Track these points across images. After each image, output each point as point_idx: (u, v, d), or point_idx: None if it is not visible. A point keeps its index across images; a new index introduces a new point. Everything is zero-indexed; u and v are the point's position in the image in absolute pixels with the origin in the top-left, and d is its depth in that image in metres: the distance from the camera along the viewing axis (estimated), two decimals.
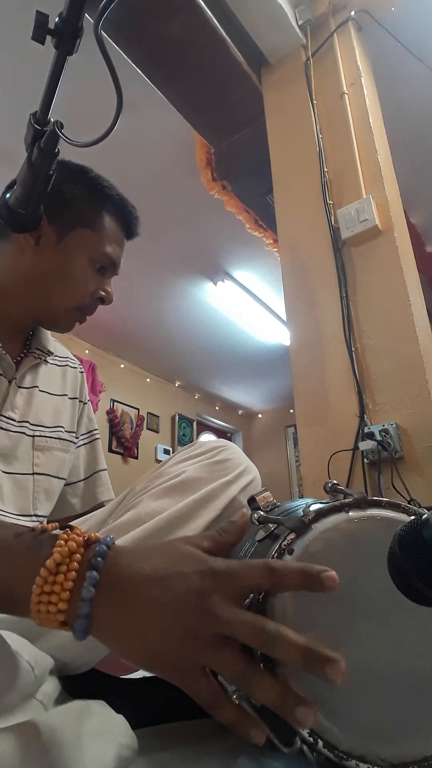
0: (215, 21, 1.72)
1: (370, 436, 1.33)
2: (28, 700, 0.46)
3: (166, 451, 5.05)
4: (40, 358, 0.85)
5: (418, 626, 0.43)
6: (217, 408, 5.99)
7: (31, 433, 0.81)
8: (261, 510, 0.55)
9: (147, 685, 0.67)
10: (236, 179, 2.25)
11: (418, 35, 1.91)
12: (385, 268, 1.48)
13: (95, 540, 0.40)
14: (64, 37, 0.55)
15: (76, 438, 0.93)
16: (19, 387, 0.81)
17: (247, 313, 4.06)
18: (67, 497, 0.91)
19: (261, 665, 0.39)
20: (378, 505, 0.47)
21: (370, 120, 1.66)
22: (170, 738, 0.55)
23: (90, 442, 0.97)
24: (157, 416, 5.15)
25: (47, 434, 0.84)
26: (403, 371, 1.36)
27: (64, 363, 0.94)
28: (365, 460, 1.34)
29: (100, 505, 0.92)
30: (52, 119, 0.62)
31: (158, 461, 4.85)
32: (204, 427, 5.89)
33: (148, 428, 4.97)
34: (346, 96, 1.71)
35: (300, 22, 1.85)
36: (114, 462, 4.46)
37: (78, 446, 0.94)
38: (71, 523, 0.43)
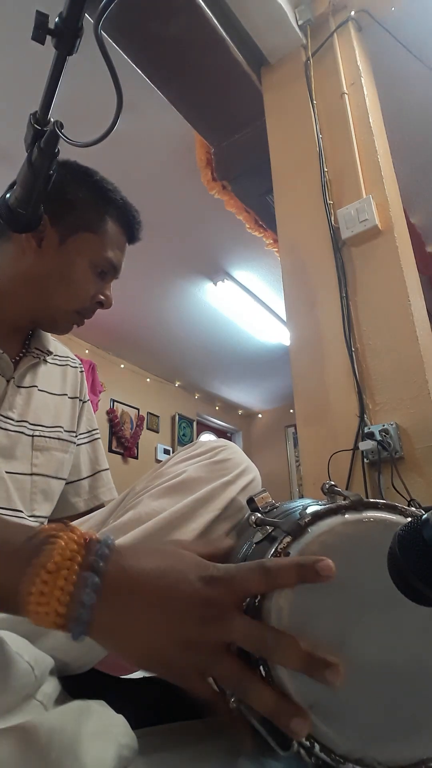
0: (215, 21, 1.72)
1: (370, 436, 1.33)
2: (28, 701, 0.46)
3: (166, 451, 5.05)
4: (39, 358, 0.85)
5: (415, 628, 0.43)
6: (217, 408, 5.99)
7: (30, 432, 0.81)
8: (259, 511, 0.55)
9: (147, 685, 0.67)
10: (236, 179, 2.25)
11: (418, 35, 1.91)
12: (385, 268, 1.48)
13: (96, 541, 0.39)
14: (64, 37, 0.55)
15: (76, 437, 0.93)
16: (18, 386, 0.81)
17: (247, 313, 4.06)
18: (68, 497, 0.91)
19: (260, 668, 0.40)
20: (374, 507, 0.47)
21: (370, 120, 1.66)
22: (170, 738, 0.55)
23: (90, 441, 0.97)
24: (157, 416, 5.15)
25: (46, 434, 0.83)
26: (403, 371, 1.36)
27: (64, 362, 0.94)
28: (365, 460, 1.34)
29: (102, 505, 0.92)
30: (52, 119, 0.62)
31: (158, 461, 4.85)
32: (204, 427, 5.89)
33: (148, 428, 4.97)
34: (346, 96, 1.71)
35: (300, 22, 1.85)
36: (114, 462, 4.46)
37: (78, 445, 0.94)
38: (70, 524, 0.42)
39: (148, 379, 5.15)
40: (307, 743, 0.40)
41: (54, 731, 0.41)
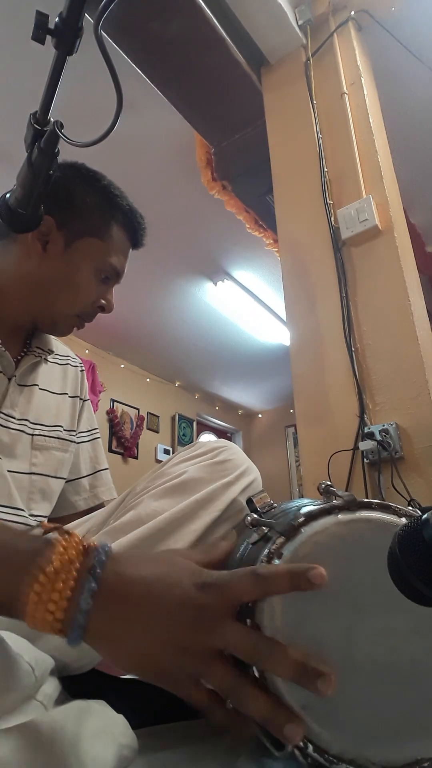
0: (215, 21, 1.72)
1: (370, 436, 1.33)
2: (29, 701, 0.46)
3: (166, 451, 5.05)
4: (40, 357, 0.85)
5: (409, 628, 0.43)
6: (217, 408, 5.99)
7: (30, 431, 0.81)
8: (257, 512, 0.55)
9: (147, 685, 0.67)
10: (236, 179, 2.25)
11: (418, 35, 1.91)
12: (385, 268, 1.48)
13: (94, 547, 0.40)
14: (64, 37, 0.55)
15: (76, 435, 0.93)
16: (19, 385, 0.81)
17: (247, 313, 4.06)
18: (68, 495, 0.91)
19: (253, 672, 0.40)
20: (368, 507, 0.47)
21: (370, 120, 1.66)
22: (170, 738, 0.55)
23: (91, 440, 0.97)
24: (157, 416, 5.15)
25: (46, 433, 0.84)
26: (403, 371, 1.36)
27: (64, 362, 0.94)
28: (365, 460, 1.34)
29: (101, 505, 0.92)
30: (52, 119, 0.62)
31: (158, 461, 4.86)
32: (204, 427, 5.89)
33: (148, 428, 4.97)
34: (346, 96, 1.71)
35: (300, 22, 1.85)
36: (114, 462, 4.46)
37: (78, 443, 0.94)
38: (68, 528, 0.42)
39: (148, 379, 5.15)
40: (301, 743, 0.40)
41: (54, 731, 0.41)
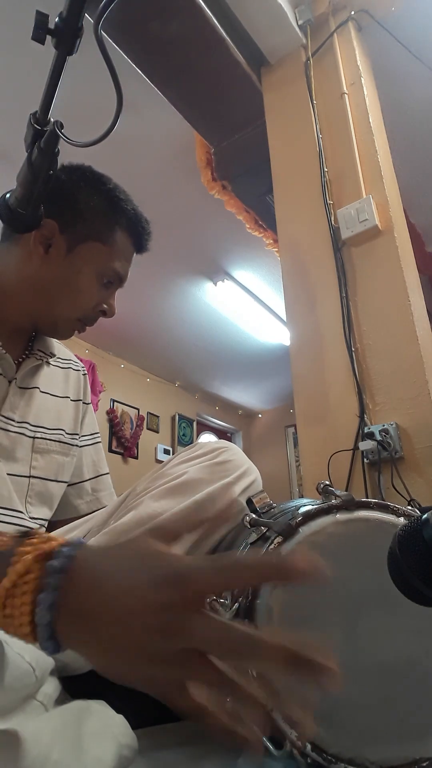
0: (215, 21, 1.72)
1: (370, 436, 1.32)
2: (29, 701, 0.46)
3: (166, 451, 5.05)
4: (42, 360, 0.85)
5: (408, 627, 0.43)
6: (217, 408, 5.98)
7: (31, 434, 0.81)
8: (256, 512, 0.55)
9: None
10: (236, 179, 2.25)
11: (418, 35, 1.91)
12: (385, 268, 1.48)
13: (53, 552, 0.36)
14: (64, 37, 0.55)
15: (78, 439, 0.92)
16: (20, 387, 0.81)
17: (247, 313, 4.05)
18: (71, 499, 0.91)
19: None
20: (366, 506, 0.47)
21: (370, 120, 1.66)
22: (170, 738, 0.55)
23: (93, 443, 0.97)
24: (157, 416, 5.15)
25: (47, 436, 0.83)
26: (403, 371, 1.36)
27: (66, 365, 0.94)
28: (365, 460, 1.34)
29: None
30: (52, 119, 0.62)
31: (158, 461, 4.85)
32: (204, 427, 5.88)
33: (148, 428, 4.96)
34: (346, 96, 1.71)
35: (300, 22, 1.85)
36: (114, 462, 4.46)
37: (81, 446, 0.93)
38: (34, 534, 0.40)
39: (148, 379, 5.15)
40: (299, 743, 0.40)
41: (55, 732, 0.41)
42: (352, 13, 1.83)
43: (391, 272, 1.46)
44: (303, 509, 0.47)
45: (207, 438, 5.74)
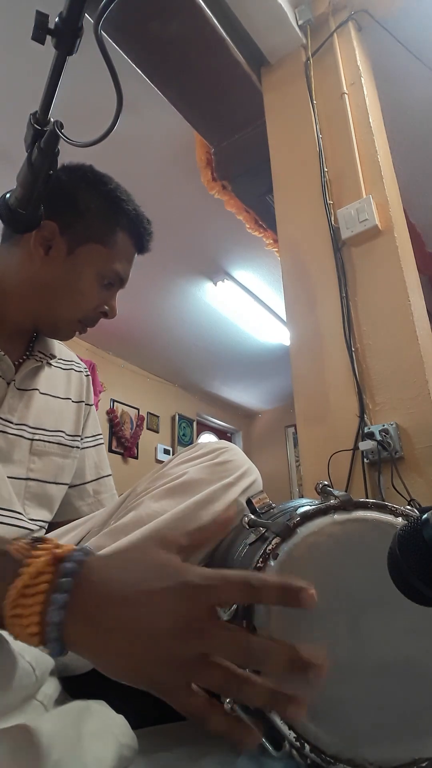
0: (215, 21, 1.72)
1: (370, 436, 1.32)
2: (29, 701, 0.46)
3: (166, 451, 5.04)
4: (42, 361, 0.85)
5: (406, 627, 0.43)
6: (217, 408, 5.98)
7: (30, 436, 0.80)
8: (256, 512, 0.55)
9: None
10: (236, 179, 2.25)
11: (418, 35, 1.91)
12: (385, 268, 1.48)
13: (66, 558, 0.38)
14: (64, 37, 0.55)
15: (81, 440, 0.92)
16: (18, 389, 0.81)
17: (247, 313, 4.05)
18: (72, 500, 0.90)
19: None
20: (364, 506, 0.47)
21: (370, 120, 1.66)
22: (170, 738, 0.55)
23: (96, 445, 0.96)
24: (157, 416, 5.15)
25: (47, 438, 0.83)
26: (403, 371, 1.36)
27: (68, 366, 0.94)
28: (365, 460, 1.34)
29: None
30: (52, 119, 0.62)
31: (158, 461, 4.85)
32: (204, 427, 5.88)
33: (148, 428, 4.96)
34: (346, 96, 1.71)
35: (300, 22, 1.85)
36: (114, 462, 4.45)
37: (83, 448, 0.93)
38: (44, 539, 0.41)
39: (148, 379, 5.15)
40: (298, 743, 0.40)
41: (55, 731, 0.41)
42: (352, 13, 1.83)
43: (391, 272, 1.46)
44: (301, 510, 0.47)
45: (207, 438, 5.74)
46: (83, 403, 0.94)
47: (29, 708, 0.45)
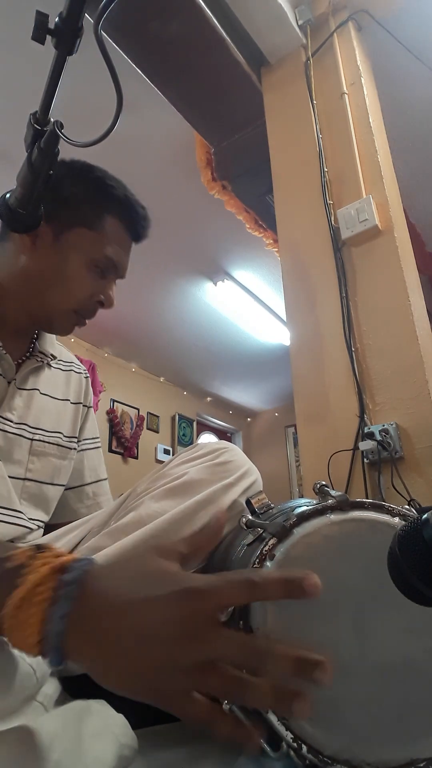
0: (215, 21, 1.72)
1: (370, 436, 1.32)
2: (29, 702, 0.46)
3: (166, 451, 5.05)
4: (43, 362, 0.85)
5: (403, 628, 0.43)
6: (217, 408, 5.98)
7: (29, 436, 0.80)
8: (254, 513, 0.55)
9: None
10: (236, 179, 2.25)
11: (418, 35, 1.91)
12: (385, 268, 1.48)
13: (68, 568, 0.37)
14: (64, 37, 0.55)
15: (78, 443, 0.92)
16: (19, 388, 0.81)
17: (247, 313, 4.05)
18: (71, 502, 0.90)
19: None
20: (361, 506, 0.47)
21: (370, 120, 1.66)
22: (170, 738, 0.55)
23: (95, 448, 0.96)
24: (157, 416, 5.15)
25: (46, 439, 0.83)
26: (403, 371, 1.36)
27: (68, 368, 0.94)
28: (365, 460, 1.34)
29: None
30: (52, 119, 0.62)
31: (158, 461, 4.85)
32: (204, 427, 5.88)
33: (148, 428, 4.96)
34: (346, 96, 1.71)
35: (300, 22, 1.85)
36: (114, 462, 4.46)
37: (81, 450, 0.93)
38: (46, 547, 0.40)
39: (148, 379, 5.15)
40: (295, 744, 0.40)
41: (55, 732, 0.41)
42: (352, 13, 1.83)
43: (391, 272, 1.46)
44: (298, 510, 0.48)
45: (207, 438, 5.74)
46: (81, 405, 0.94)
47: (29, 709, 0.45)
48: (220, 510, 0.44)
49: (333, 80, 1.76)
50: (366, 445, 1.32)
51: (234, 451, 0.74)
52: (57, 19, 0.55)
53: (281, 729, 0.40)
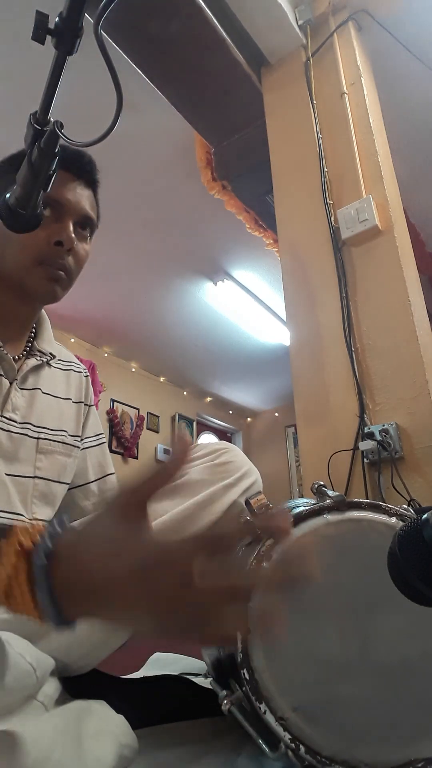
0: (215, 21, 1.72)
1: (370, 436, 1.32)
2: (30, 701, 0.46)
3: (166, 451, 5.04)
4: (42, 360, 0.85)
5: (401, 629, 0.43)
6: (217, 408, 5.98)
7: (35, 435, 0.80)
8: (253, 513, 0.56)
9: (147, 685, 0.67)
10: (236, 179, 2.25)
11: (418, 35, 1.91)
12: (385, 268, 1.48)
13: (32, 549, 0.38)
14: (64, 37, 0.55)
15: (81, 441, 0.92)
16: (21, 388, 0.81)
17: (247, 313, 4.06)
18: (77, 500, 0.90)
19: (243, 671, 0.39)
20: (358, 506, 0.47)
21: (370, 120, 1.66)
22: (170, 738, 0.55)
23: (98, 444, 0.96)
24: (157, 416, 5.15)
25: (51, 437, 0.83)
26: (403, 371, 1.36)
27: (68, 367, 0.94)
28: (365, 460, 1.34)
29: None
30: (52, 119, 0.62)
31: (158, 461, 4.85)
32: (204, 427, 5.88)
33: (148, 428, 4.96)
34: (346, 96, 1.71)
35: (300, 22, 1.85)
36: (114, 462, 4.40)
37: (84, 448, 0.93)
38: (14, 528, 0.40)
39: (148, 379, 5.15)
40: (293, 745, 0.40)
41: (55, 731, 0.41)
42: (352, 13, 1.83)
43: (391, 272, 1.46)
44: (296, 511, 0.48)
45: (207, 438, 5.74)
46: (83, 404, 0.94)
47: (30, 708, 0.45)
48: (183, 434, 0.43)
49: (333, 80, 1.76)
50: (366, 445, 1.32)
51: (234, 452, 0.74)
52: (57, 19, 0.55)
53: (279, 730, 0.40)
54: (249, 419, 6.42)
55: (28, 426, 0.80)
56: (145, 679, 0.70)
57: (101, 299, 3.79)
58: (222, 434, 6.06)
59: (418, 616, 0.41)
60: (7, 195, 0.68)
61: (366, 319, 1.47)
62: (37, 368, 0.84)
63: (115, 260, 3.27)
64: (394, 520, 0.47)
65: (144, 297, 3.86)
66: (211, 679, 0.51)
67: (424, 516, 0.35)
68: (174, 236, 3.15)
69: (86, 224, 0.82)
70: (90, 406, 0.96)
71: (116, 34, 1.71)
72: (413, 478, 1.27)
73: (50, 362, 0.87)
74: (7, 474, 0.75)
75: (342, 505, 0.47)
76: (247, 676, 0.41)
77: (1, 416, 0.76)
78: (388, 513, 0.47)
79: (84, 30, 0.56)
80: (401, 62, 1.96)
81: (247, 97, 1.97)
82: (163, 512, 0.64)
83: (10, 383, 0.79)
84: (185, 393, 5.60)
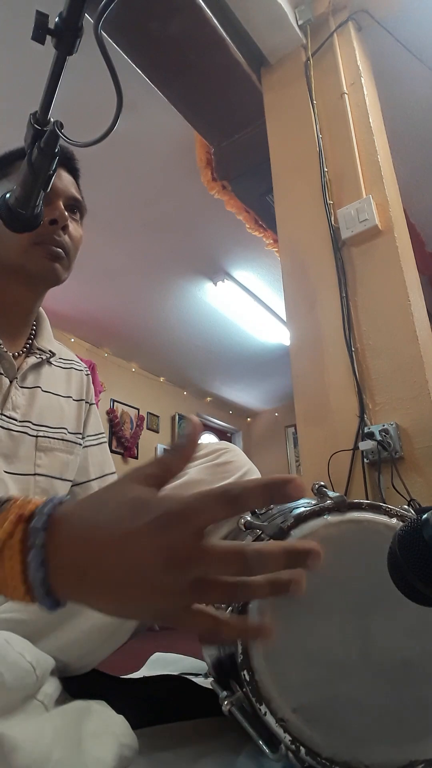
0: (215, 21, 1.72)
1: (370, 436, 1.32)
2: (30, 701, 0.46)
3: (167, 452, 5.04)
4: (42, 358, 0.85)
5: (401, 629, 0.43)
6: (217, 408, 5.98)
7: (34, 433, 0.80)
8: (254, 514, 0.56)
9: (147, 685, 0.67)
10: (236, 179, 2.25)
11: (418, 35, 1.91)
12: (385, 268, 1.48)
13: (32, 513, 0.37)
14: (64, 37, 0.55)
15: (83, 439, 0.92)
16: (21, 387, 0.81)
17: (247, 313, 4.06)
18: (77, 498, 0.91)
19: (243, 673, 0.39)
20: (358, 507, 0.47)
21: (370, 120, 1.66)
22: (170, 738, 0.55)
23: (99, 443, 0.96)
24: (157, 416, 5.15)
25: (50, 435, 0.83)
26: (403, 371, 1.36)
27: (68, 365, 0.94)
28: (365, 460, 1.34)
29: None
30: (52, 119, 0.62)
31: None
32: (204, 428, 5.88)
33: (148, 428, 4.97)
34: (346, 96, 1.71)
35: (300, 22, 1.85)
36: (114, 462, 4.44)
37: (86, 446, 0.93)
38: (8, 501, 0.39)
39: (148, 379, 5.15)
40: (293, 746, 0.40)
41: (55, 731, 0.41)
42: (352, 13, 1.83)
43: (391, 272, 1.46)
44: (296, 512, 0.48)
45: (207, 438, 5.74)
46: (84, 402, 0.94)
47: (30, 708, 0.45)
48: (195, 419, 0.42)
49: (333, 80, 1.76)
50: (366, 445, 1.32)
51: (234, 452, 0.74)
52: (57, 19, 0.55)
53: (279, 731, 0.40)
54: (249, 419, 6.42)
55: (28, 424, 0.80)
56: (145, 679, 0.70)
57: (101, 299, 3.80)
58: (222, 434, 6.06)
59: (418, 616, 0.41)
60: (7, 195, 0.68)
61: (366, 319, 1.47)
62: (36, 366, 0.85)
63: (115, 260, 3.27)
64: (394, 521, 0.47)
65: (144, 297, 3.86)
66: (211, 679, 0.51)
67: (424, 516, 0.35)
68: (174, 236, 3.15)
69: (75, 207, 0.84)
70: (91, 404, 0.96)
71: (116, 34, 1.71)
72: (413, 478, 1.27)
73: (50, 360, 0.87)
74: (6, 472, 0.76)
75: (342, 505, 0.47)
76: (247, 678, 0.41)
77: (2, 414, 0.77)
78: (389, 514, 0.47)
79: (84, 30, 0.56)
80: (401, 62, 1.97)
81: (247, 97, 1.97)
82: None
83: (10, 382, 0.79)
84: (185, 393, 5.60)
